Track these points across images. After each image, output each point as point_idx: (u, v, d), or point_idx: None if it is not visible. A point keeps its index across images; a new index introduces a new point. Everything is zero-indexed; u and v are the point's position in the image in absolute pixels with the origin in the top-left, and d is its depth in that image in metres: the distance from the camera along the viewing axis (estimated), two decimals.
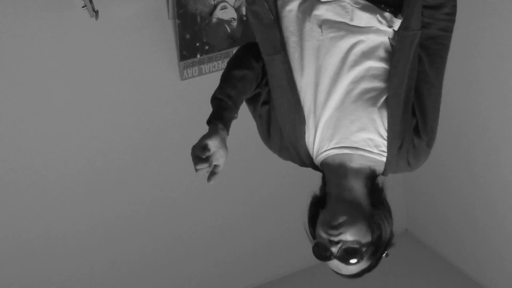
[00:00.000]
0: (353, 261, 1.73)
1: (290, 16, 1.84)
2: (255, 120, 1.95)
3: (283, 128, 1.87)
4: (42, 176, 3.23)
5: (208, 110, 3.55)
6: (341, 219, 1.73)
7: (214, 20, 3.22)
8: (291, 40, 1.83)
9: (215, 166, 1.79)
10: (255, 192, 3.71)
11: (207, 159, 1.74)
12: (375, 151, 1.79)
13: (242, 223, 3.79)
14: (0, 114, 3.06)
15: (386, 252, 1.82)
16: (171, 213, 3.58)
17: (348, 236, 1.72)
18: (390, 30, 1.76)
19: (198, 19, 3.19)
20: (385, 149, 1.79)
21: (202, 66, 3.29)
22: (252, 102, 1.92)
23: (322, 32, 1.79)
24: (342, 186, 1.78)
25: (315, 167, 1.91)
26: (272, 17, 1.83)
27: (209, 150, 1.74)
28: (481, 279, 3.77)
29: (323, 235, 1.74)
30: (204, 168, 1.75)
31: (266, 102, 1.90)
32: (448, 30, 1.77)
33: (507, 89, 3.26)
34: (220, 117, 1.83)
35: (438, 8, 1.75)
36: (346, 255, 1.73)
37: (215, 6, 3.21)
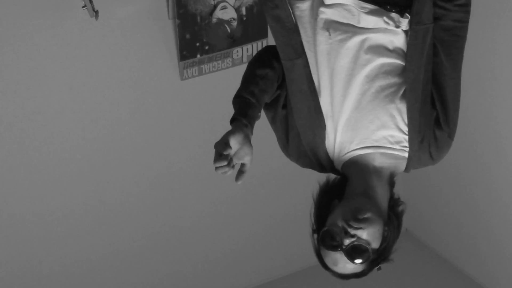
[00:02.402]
0: (358, 261, 1.70)
1: (301, 21, 1.84)
2: (273, 126, 1.94)
3: (302, 134, 1.86)
4: (42, 176, 3.23)
5: (208, 109, 3.55)
6: (367, 215, 1.70)
7: (214, 20, 3.23)
8: (305, 45, 1.83)
9: (242, 165, 1.75)
10: (255, 192, 3.71)
11: (227, 157, 1.70)
12: (397, 147, 1.79)
13: (242, 223, 3.79)
14: (0, 114, 3.06)
15: (380, 265, 1.80)
16: (171, 213, 3.58)
17: (365, 234, 1.70)
18: (398, 30, 1.76)
19: (198, 19, 3.19)
20: (407, 144, 1.79)
21: (202, 66, 3.30)
22: (272, 106, 1.90)
23: (330, 35, 1.79)
24: (367, 185, 1.76)
25: (335, 171, 1.89)
26: (294, 21, 1.83)
27: (230, 147, 1.69)
28: (481, 279, 3.77)
29: (340, 223, 1.70)
30: (223, 167, 1.71)
31: (284, 106, 1.89)
32: (463, 21, 1.76)
33: (504, 92, 3.26)
34: (244, 114, 1.79)
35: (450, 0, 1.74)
36: (354, 252, 1.70)
37: (215, 6, 3.21)
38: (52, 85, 3.11)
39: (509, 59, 3.21)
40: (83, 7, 2.89)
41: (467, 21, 1.77)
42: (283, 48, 1.86)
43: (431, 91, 1.78)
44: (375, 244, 1.73)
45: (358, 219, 1.69)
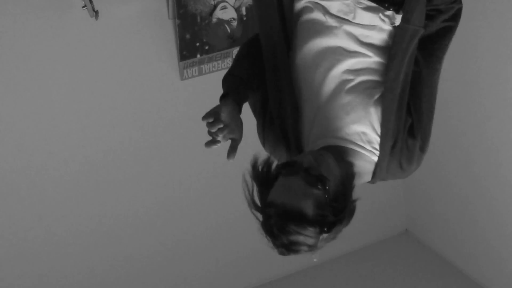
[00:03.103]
0: (314, 184, 1.55)
1: (300, 4, 1.83)
2: (255, 114, 1.92)
3: (277, 119, 1.82)
4: (42, 176, 3.23)
5: (208, 109, 3.53)
6: (322, 155, 1.63)
7: (214, 20, 3.23)
8: (299, 21, 1.82)
9: (234, 140, 1.73)
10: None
11: (219, 123, 1.67)
12: (368, 147, 1.73)
13: (242, 223, 3.78)
14: (0, 114, 3.06)
15: (329, 229, 1.58)
16: (171, 213, 3.58)
17: (324, 169, 1.59)
18: (390, 28, 1.76)
19: (198, 19, 3.19)
20: (378, 147, 1.74)
21: (202, 66, 3.30)
22: (253, 92, 1.88)
23: (326, 19, 1.78)
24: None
25: None
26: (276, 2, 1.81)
27: (221, 116, 1.68)
28: (481, 279, 3.77)
29: (303, 157, 1.62)
30: (215, 139, 1.68)
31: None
32: (450, 31, 1.76)
33: (507, 89, 3.26)
34: (235, 91, 1.79)
35: (442, 11, 1.74)
36: (314, 173, 1.56)
37: (215, 6, 3.21)
38: (52, 85, 3.11)
39: (507, 61, 3.21)
40: (83, 7, 2.89)
41: (453, 32, 1.77)
42: (260, 21, 1.85)
43: (408, 97, 1.76)
44: (332, 185, 1.57)
45: (315, 154, 1.63)
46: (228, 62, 3.31)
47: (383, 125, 1.73)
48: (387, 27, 1.76)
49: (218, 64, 3.31)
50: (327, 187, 1.56)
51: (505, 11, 3.13)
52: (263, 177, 1.65)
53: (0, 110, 3.06)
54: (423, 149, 1.78)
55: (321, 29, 1.78)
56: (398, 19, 1.75)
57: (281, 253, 1.65)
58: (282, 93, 1.81)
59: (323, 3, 1.79)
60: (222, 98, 1.79)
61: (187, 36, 3.21)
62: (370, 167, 1.76)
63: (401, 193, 4.14)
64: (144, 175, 3.44)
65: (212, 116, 1.69)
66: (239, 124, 1.74)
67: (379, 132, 1.74)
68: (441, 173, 3.81)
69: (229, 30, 3.28)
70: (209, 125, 1.71)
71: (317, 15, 1.80)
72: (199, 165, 3.47)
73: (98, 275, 3.54)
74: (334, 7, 1.78)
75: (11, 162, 3.15)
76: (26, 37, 2.98)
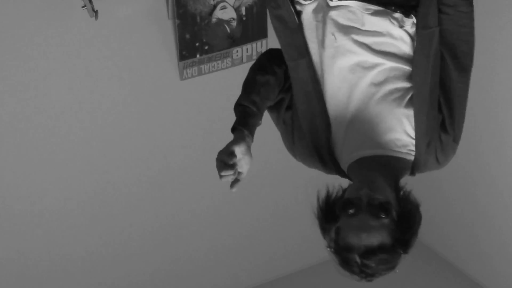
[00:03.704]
0: (381, 214, 1.63)
1: (306, 22, 1.84)
2: (278, 127, 1.94)
3: (308, 135, 1.86)
4: (42, 176, 3.23)
5: (207, 109, 3.55)
6: (375, 183, 1.69)
7: (213, 20, 3.23)
8: (311, 47, 1.83)
9: (239, 173, 1.77)
10: (255, 191, 3.71)
11: (233, 166, 1.72)
12: (404, 150, 1.78)
13: (242, 222, 3.79)
14: (0, 114, 3.06)
15: (407, 248, 1.71)
16: (170, 212, 3.58)
17: (381, 194, 1.66)
18: (405, 36, 1.76)
19: (198, 19, 3.19)
20: (413, 148, 1.78)
21: (202, 66, 3.30)
22: (275, 108, 1.91)
23: (336, 39, 1.79)
24: (372, 178, 1.73)
25: (341, 172, 1.88)
26: (297, 21, 1.83)
27: (235, 156, 1.73)
28: (481, 279, 3.77)
29: (356, 190, 1.68)
30: (229, 175, 1.74)
31: (289, 107, 1.89)
32: (467, 26, 1.77)
33: (504, 92, 3.26)
34: (245, 123, 1.81)
35: (453, 5, 1.74)
36: (375, 204, 1.64)
37: (214, 6, 3.21)
38: (52, 85, 3.11)
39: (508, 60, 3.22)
40: (83, 7, 2.89)
41: (471, 26, 1.77)
42: (287, 49, 1.86)
43: (438, 95, 1.78)
44: (393, 205, 1.68)
45: (368, 182, 1.69)
46: (228, 62, 3.32)
47: (417, 127, 1.77)
48: (398, 30, 1.76)
49: (218, 64, 3.31)
50: (392, 211, 1.66)
51: (505, 11, 3.13)
52: (326, 216, 1.72)
53: (0, 110, 3.06)
54: (456, 140, 1.82)
55: (334, 53, 1.79)
56: (407, 22, 1.75)
57: (367, 281, 1.74)
58: (314, 116, 1.84)
59: (330, 13, 1.79)
60: (233, 131, 1.81)
61: (187, 36, 3.21)
62: (409, 166, 1.82)
63: None
64: (143, 174, 3.44)
65: (229, 158, 1.72)
66: (248, 162, 1.77)
67: (412, 135, 1.78)
68: (441, 173, 3.80)
69: (228, 30, 3.27)
70: (220, 168, 1.74)
71: (327, 38, 1.79)
72: (199, 164, 3.47)
73: (97, 274, 3.54)
74: (341, 17, 1.78)
75: (11, 162, 3.15)
76: (26, 37, 2.98)
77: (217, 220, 3.72)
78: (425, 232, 4.12)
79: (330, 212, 1.71)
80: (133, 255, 3.58)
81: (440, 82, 1.77)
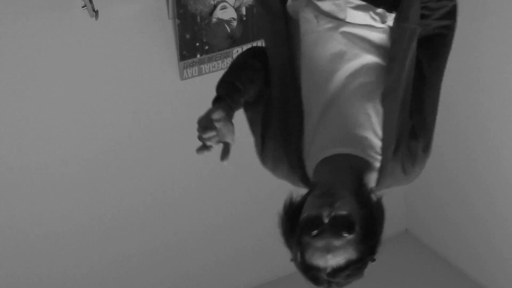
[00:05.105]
0: (345, 233, 1.52)
1: (290, 9, 1.82)
2: (252, 129, 1.87)
3: (280, 134, 1.77)
4: (41, 176, 3.23)
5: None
6: (333, 189, 1.58)
7: (214, 20, 3.22)
8: (293, 35, 1.79)
9: (226, 143, 1.71)
10: (255, 191, 3.71)
11: (213, 129, 1.66)
12: (370, 153, 1.68)
13: (242, 222, 3.78)
14: (0, 114, 3.06)
15: (373, 254, 1.61)
16: (171, 213, 3.58)
17: (342, 207, 1.54)
18: (385, 26, 1.74)
19: (198, 19, 3.19)
20: (379, 151, 1.69)
21: (202, 66, 3.29)
22: (252, 104, 1.85)
23: (318, 23, 1.75)
24: (338, 180, 1.62)
25: (306, 180, 1.78)
26: (281, 7, 1.79)
27: (217, 120, 1.66)
28: (481, 279, 3.77)
29: (314, 205, 1.56)
30: (212, 138, 1.67)
31: (266, 105, 1.83)
32: (449, 29, 1.74)
33: (508, 88, 3.26)
34: (227, 95, 1.75)
35: (437, 8, 1.73)
36: (338, 224, 1.52)
37: (215, 6, 3.21)
38: (52, 85, 3.11)
39: (508, 61, 3.22)
40: (83, 7, 2.89)
41: (452, 30, 1.74)
42: (269, 35, 1.82)
43: (410, 100, 1.71)
44: (355, 216, 1.55)
45: (325, 194, 1.57)
46: (228, 62, 3.31)
47: (385, 128, 1.69)
48: (380, 25, 1.73)
49: (218, 64, 3.31)
50: (356, 226, 1.54)
51: (505, 11, 3.13)
52: (288, 235, 1.65)
53: (0, 110, 3.06)
54: (426, 150, 1.73)
55: (316, 38, 1.75)
56: (389, 17, 1.73)
57: None
58: (289, 112, 1.77)
59: (315, 3, 1.77)
60: (215, 102, 1.77)
61: (187, 36, 3.21)
62: (375, 174, 1.71)
63: (401, 193, 4.14)
64: (143, 175, 3.44)
65: (205, 122, 1.68)
66: (231, 129, 1.71)
67: (380, 136, 1.69)
68: (441, 173, 3.80)
69: (229, 30, 3.27)
70: (201, 131, 1.69)
71: (310, 22, 1.76)
72: (199, 165, 3.47)
73: (96, 274, 3.53)
74: (325, 7, 1.76)
75: (11, 162, 3.15)
76: (26, 37, 2.98)
77: (218, 220, 3.72)
78: (425, 232, 4.13)
79: (292, 227, 1.63)
80: (132, 253, 3.58)
81: (414, 86, 1.72)
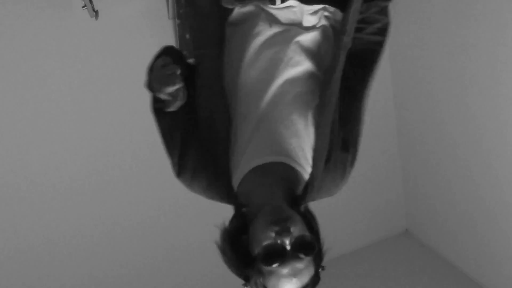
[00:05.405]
0: (309, 253, 1.50)
1: (239, 15, 1.76)
2: (167, 138, 1.77)
3: (203, 137, 1.68)
4: (41, 176, 3.23)
5: None
6: (285, 213, 1.53)
7: None
8: (235, 37, 1.73)
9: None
10: None
11: (176, 80, 1.55)
12: (303, 163, 1.65)
13: None
14: (0, 114, 3.06)
15: (322, 264, 1.60)
16: (172, 213, 3.58)
17: (296, 229, 1.51)
18: (331, 30, 1.74)
19: None
20: (311, 162, 1.66)
21: None
22: (169, 112, 1.71)
23: (271, 27, 1.72)
24: (271, 194, 1.59)
25: (229, 192, 1.72)
26: (211, 7, 1.73)
27: (176, 68, 1.54)
28: (481, 279, 3.76)
29: (270, 232, 1.50)
30: (177, 89, 1.56)
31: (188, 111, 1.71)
32: (380, 45, 1.74)
33: (504, 90, 3.26)
34: (175, 59, 1.64)
35: (371, 22, 1.73)
36: (301, 246, 1.50)
37: None
38: (52, 85, 3.11)
39: (504, 62, 3.22)
40: (83, 7, 2.89)
41: (382, 45, 1.74)
42: (198, 35, 1.74)
43: (340, 111, 1.70)
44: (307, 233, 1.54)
45: (281, 219, 1.51)
46: None
47: (318, 140, 1.66)
48: (328, 30, 1.73)
49: None
50: (314, 243, 1.52)
51: (502, 12, 3.13)
52: (240, 265, 1.59)
53: (0, 110, 3.05)
54: (352, 163, 1.71)
55: (265, 42, 1.71)
56: (338, 14, 1.73)
57: None
58: (215, 118, 1.67)
59: (272, 11, 1.74)
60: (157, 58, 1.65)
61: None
62: (302, 184, 1.67)
63: (401, 193, 4.14)
64: (144, 175, 3.44)
65: (161, 76, 1.55)
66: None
67: (312, 146, 1.67)
68: (441, 173, 3.80)
69: None
70: (169, 83, 1.56)
71: (260, 26, 1.72)
72: None
73: (97, 278, 3.53)
74: (282, 16, 1.75)
75: (11, 162, 3.15)
76: (26, 37, 2.98)
77: (217, 220, 3.71)
78: (425, 232, 4.13)
79: (243, 257, 1.57)
80: (132, 255, 3.58)
81: (344, 99, 1.70)
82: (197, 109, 1.69)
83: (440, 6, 3.39)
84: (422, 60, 3.64)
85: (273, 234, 1.49)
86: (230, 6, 1.73)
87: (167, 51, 1.75)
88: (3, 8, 2.91)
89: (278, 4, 1.74)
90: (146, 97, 3.54)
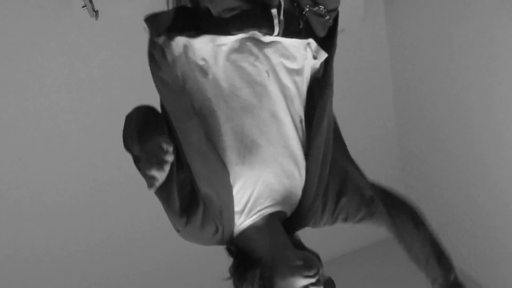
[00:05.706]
0: None
1: (227, 66, 1.72)
2: (173, 196, 1.82)
3: (207, 199, 1.71)
4: (42, 176, 3.23)
5: None
6: (318, 264, 1.69)
7: None
8: (225, 92, 1.70)
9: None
10: None
11: (165, 163, 1.55)
12: (293, 209, 1.78)
13: None
14: (0, 114, 3.07)
15: None
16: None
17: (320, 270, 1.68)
18: (317, 61, 1.75)
19: None
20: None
21: None
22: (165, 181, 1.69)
23: (269, 76, 1.70)
24: (282, 240, 1.70)
25: (225, 238, 1.81)
26: (181, 83, 1.73)
27: (170, 152, 1.55)
28: (481, 279, 3.77)
29: (303, 281, 1.63)
30: (160, 177, 1.59)
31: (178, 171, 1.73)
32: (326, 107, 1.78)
33: (503, 89, 3.26)
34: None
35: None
36: (330, 286, 1.71)
37: None
38: (52, 85, 3.11)
39: (498, 61, 3.22)
40: (83, 7, 2.89)
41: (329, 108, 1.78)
42: (175, 111, 1.75)
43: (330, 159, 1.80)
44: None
45: (312, 266, 1.66)
46: None
47: (307, 184, 1.75)
48: (312, 61, 1.74)
49: None
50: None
51: (501, 12, 3.14)
52: None
53: (0, 110, 3.06)
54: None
55: (261, 91, 1.70)
56: (321, 54, 1.73)
57: None
58: (214, 182, 1.70)
59: (265, 50, 1.71)
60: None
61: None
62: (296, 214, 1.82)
63: (401, 193, 4.13)
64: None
65: (163, 152, 1.56)
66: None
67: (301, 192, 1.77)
68: (441, 173, 3.81)
69: None
70: (151, 166, 1.59)
71: (258, 75, 1.70)
72: None
73: (97, 275, 3.54)
74: (276, 58, 1.72)
75: (10, 162, 3.15)
76: (26, 37, 2.98)
77: None
78: None
79: None
80: (132, 255, 3.58)
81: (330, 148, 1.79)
82: (194, 173, 1.71)
83: (440, 6, 3.40)
84: (422, 60, 3.64)
85: (305, 283, 1.62)
86: None
87: (147, 111, 1.79)
88: (3, 8, 2.91)
89: (268, 38, 1.71)
90: (146, 97, 3.54)
